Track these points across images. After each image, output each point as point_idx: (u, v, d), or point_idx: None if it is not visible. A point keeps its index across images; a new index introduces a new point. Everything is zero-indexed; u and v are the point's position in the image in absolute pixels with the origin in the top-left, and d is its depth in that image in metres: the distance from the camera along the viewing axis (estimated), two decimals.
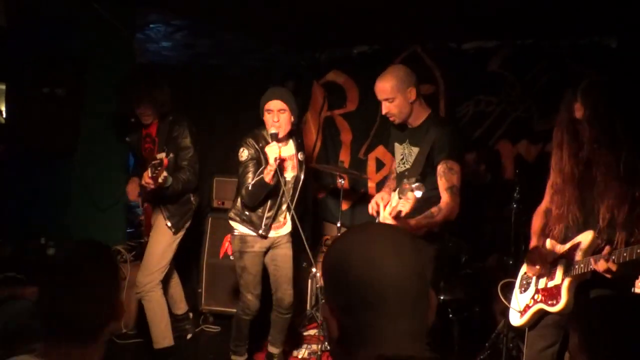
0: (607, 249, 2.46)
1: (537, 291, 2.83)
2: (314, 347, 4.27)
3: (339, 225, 4.60)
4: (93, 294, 1.48)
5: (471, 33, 4.73)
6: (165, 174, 3.59)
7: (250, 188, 3.58)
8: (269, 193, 3.65)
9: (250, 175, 3.60)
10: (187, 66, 5.82)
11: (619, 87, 2.58)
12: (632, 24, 4.08)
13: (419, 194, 2.80)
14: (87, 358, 1.49)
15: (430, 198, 3.23)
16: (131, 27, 4.65)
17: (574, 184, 2.63)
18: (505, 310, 3.84)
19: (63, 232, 4.34)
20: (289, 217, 3.88)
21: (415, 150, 3.35)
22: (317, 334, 4.47)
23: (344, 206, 5.06)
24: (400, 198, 3.10)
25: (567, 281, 2.63)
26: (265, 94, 3.63)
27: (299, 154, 3.82)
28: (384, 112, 3.32)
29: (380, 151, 5.08)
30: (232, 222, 3.81)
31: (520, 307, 2.92)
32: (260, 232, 3.74)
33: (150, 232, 4.05)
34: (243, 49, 5.50)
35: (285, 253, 3.90)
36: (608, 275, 2.46)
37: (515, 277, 3.75)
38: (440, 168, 3.20)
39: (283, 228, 3.88)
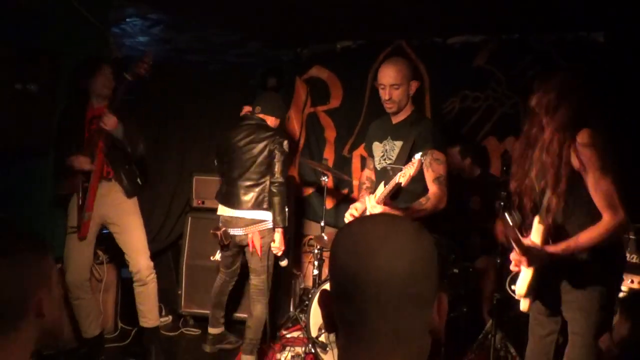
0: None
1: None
2: (298, 349, 4.25)
3: (322, 224, 4.61)
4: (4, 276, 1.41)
5: (457, 28, 4.74)
6: None
7: (285, 207, 3.94)
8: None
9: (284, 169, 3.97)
10: (164, 62, 5.75)
11: (579, 78, 2.64)
12: (620, 19, 4.11)
13: (418, 156, 2.94)
14: (13, 351, 1.41)
15: (416, 189, 3.35)
16: (106, 20, 4.59)
17: (523, 166, 2.71)
18: (492, 310, 3.89)
19: (37, 234, 4.27)
20: None
21: (399, 144, 3.47)
22: (300, 335, 4.48)
23: (328, 205, 5.06)
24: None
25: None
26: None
27: None
28: (386, 97, 3.42)
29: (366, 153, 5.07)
30: (264, 214, 3.97)
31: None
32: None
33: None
34: (222, 45, 5.45)
35: None
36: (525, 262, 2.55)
37: (504, 276, 3.79)
38: (426, 159, 3.31)
39: None
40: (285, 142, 4.00)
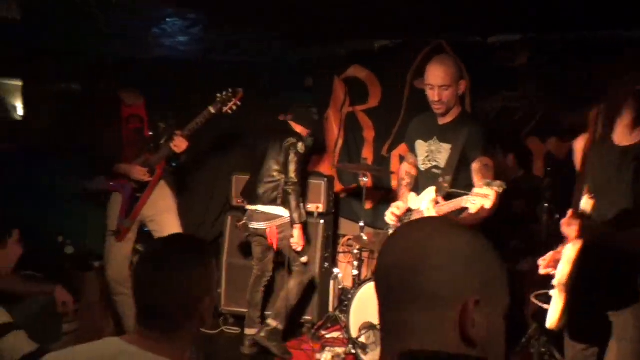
0: None
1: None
2: (338, 350, 4.24)
3: (362, 224, 4.60)
4: (180, 283, 1.56)
5: (497, 26, 4.67)
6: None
7: (300, 211, 4.20)
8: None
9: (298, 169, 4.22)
10: (203, 62, 5.76)
11: None
12: None
13: (495, 186, 2.87)
14: (174, 347, 1.55)
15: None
16: (147, 20, 4.61)
17: None
18: (536, 314, 3.83)
19: (80, 230, 4.34)
20: None
21: (447, 146, 3.40)
22: (340, 336, 4.46)
23: (368, 205, 5.02)
24: (438, 195, 3.14)
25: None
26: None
27: None
28: (435, 98, 3.33)
29: (403, 148, 4.96)
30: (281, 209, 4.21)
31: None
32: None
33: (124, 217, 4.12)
34: (259, 44, 5.44)
35: None
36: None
37: (548, 281, 3.72)
38: (476, 165, 3.28)
39: None
40: (301, 144, 4.25)
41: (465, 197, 2.99)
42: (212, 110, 4.11)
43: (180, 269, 1.57)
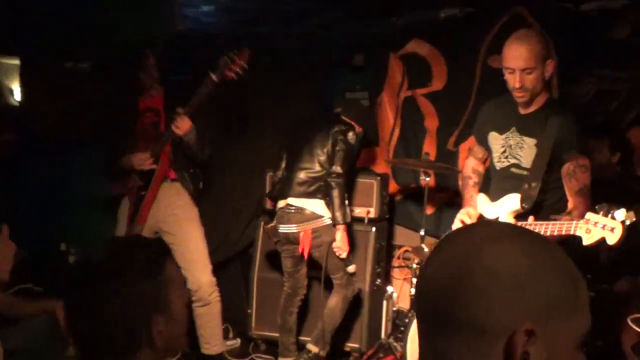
0: None
1: None
2: None
3: (422, 233, 4.48)
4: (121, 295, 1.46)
5: None
6: None
7: (345, 209, 4.15)
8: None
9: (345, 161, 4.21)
10: (229, 36, 5.74)
11: None
12: None
13: (620, 215, 2.78)
14: None
15: (545, 200, 3.29)
16: None
17: None
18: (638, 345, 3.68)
19: (87, 236, 4.36)
20: None
21: (530, 141, 3.31)
22: None
23: (429, 210, 4.90)
24: (524, 206, 3.16)
25: None
26: None
27: None
28: (517, 85, 3.19)
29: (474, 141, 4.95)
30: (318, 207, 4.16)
31: None
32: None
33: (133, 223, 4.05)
34: (297, 15, 5.39)
35: None
36: None
37: None
38: (570, 166, 3.22)
39: None
40: (351, 133, 4.27)
41: (574, 223, 2.86)
42: (213, 77, 3.91)
43: (120, 276, 1.49)
